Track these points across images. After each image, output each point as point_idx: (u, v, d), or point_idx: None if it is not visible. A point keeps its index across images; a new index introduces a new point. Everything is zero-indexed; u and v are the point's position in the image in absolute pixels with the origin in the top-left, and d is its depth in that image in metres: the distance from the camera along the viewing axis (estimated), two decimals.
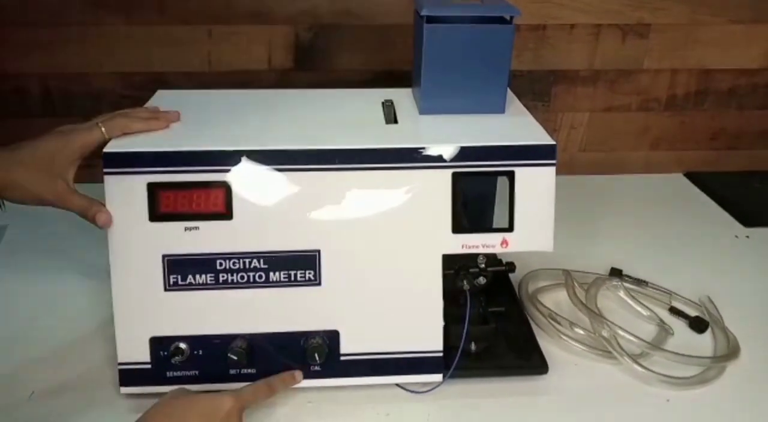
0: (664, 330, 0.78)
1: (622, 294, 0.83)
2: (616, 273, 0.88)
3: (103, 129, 0.66)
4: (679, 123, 1.21)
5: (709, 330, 0.80)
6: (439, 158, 0.66)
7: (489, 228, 0.67)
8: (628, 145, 1.22)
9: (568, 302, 0.83)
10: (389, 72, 1.11)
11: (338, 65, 1.10)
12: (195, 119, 0.73)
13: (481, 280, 0.72)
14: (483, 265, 0.71)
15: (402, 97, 0.80)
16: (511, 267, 0.73)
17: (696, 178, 1.21)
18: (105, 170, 0.64)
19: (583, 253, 0.93)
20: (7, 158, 0.64)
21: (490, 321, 0.72)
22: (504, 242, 0.67)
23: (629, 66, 1.15)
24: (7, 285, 0.86)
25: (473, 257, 0.72)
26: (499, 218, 0.67)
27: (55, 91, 1.09)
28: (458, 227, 0.67)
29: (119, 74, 1.08)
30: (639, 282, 0.87)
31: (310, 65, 1.10)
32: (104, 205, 0.65)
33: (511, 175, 0.66)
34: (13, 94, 1.10)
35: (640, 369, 0.71)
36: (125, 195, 0.64)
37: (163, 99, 0.78)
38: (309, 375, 0.68)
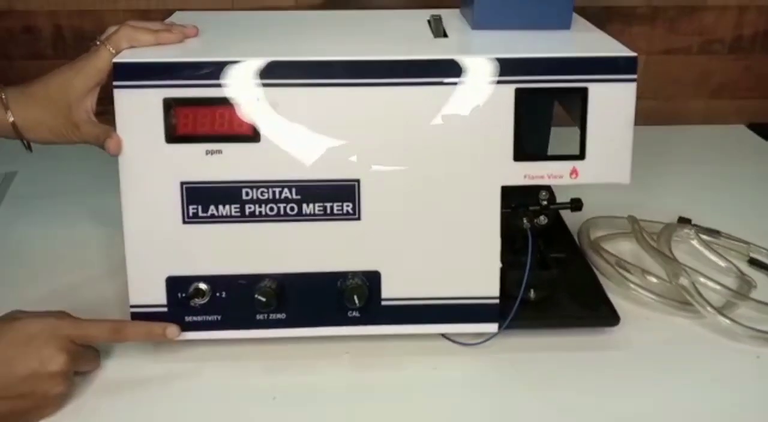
0: (746, 282, 0.69)
1: (695, 243, 0.74)
2: (684, 222, 0.79)
3: (109, 47, 0.59)
4: (744, 68, 1.10)
5: None
6: (500, 71, 0.56)
7: (556, 156, 0.58)
8: (686, 92, 1.11)
9: (632, 252, 0.74)
10: (431, 9, 1.01)
11: (372, 2, 1.01)
12: (217, 34, 0.64)
13: (542, 220, 0.63)
14: (545, 202, 0.62)
15: (450, 16, 0.71)
16: (577, 204, 0.64)
17: (761, 129, 1.10)
18: (115, 83, 0.56)
19: (643, 204, 0.83)
20: (20, 97, 0.60)
21: (551, 267, 0.64)
22: (573, 172, 0.58)
23: (691, 2, 1.04)
24: (16, 230, 0.79)
25: (533, 194, 0.63)
26: (569, 144, 0.58)
27: (67, 29, 1.02)
28: (521, 154, 0.57)
29: (134, 11, 1.00)
30: (711, 232, 0.77)
31: (341, 2, 1.01)
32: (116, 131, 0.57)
33: (583, 93, 0.57)
34: (23, 33, 1.02)
35: (725, 321, 0.62)
36: (138, 112, 0.56)
37: (181, 19, 0.70)
38: (346, 321, 0.59)
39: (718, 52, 1.08)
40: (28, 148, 0.62)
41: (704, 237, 0.75)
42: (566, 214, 0.80)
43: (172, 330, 0.58)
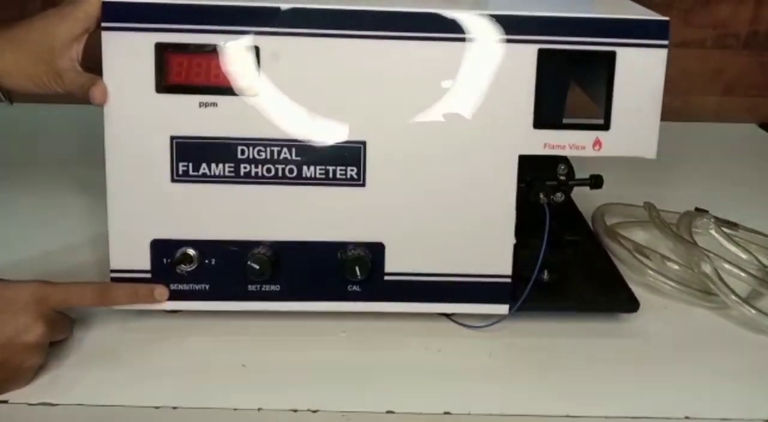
0: None
1: (714, 233, 0.70)
2: (701, 212, 0.75)
3: None
4: (758, 64, 1.07)
5: None
6: (522, 29, 0.52)
7: (579, 125, 0.54)
8: (698, 88, 1.08)
9: (649, 242, 0.69)
10: None
11: None
12: None
13: (559, 196, 0.58)
14: (563, 177, 0.58)
15: None
16: (597, 181, 0.60)
17: None
18: (103, 25, 0.52)
19: (652, 198, 0.80)
20: (0, 41, 0.54)
21: (566, 248, 0.59)
22: (597, 143, 0.54)
23: None
24: None
25: (549, 168, 0.59)
26: (593, 112, 0.54)
27: None
28: (541, 121, 0.53)
29: None
30: (730, 224, 0.73)
31: None
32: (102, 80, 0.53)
33: (610, 57, 0.53)
34: None
35: (750, 312, 0.57)
36: (127, 58, 0.52)
37: None
38: (345, 296, 0.55)
39: (732, 47, 1.05)
40: (9, 99, 0.58)
41: (723, 229, 0.71)
42: (578, 200, 0.76)
43: (160, 291, 0.54)
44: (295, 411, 0.48)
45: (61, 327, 0.52)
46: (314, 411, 0.48)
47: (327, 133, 0.53)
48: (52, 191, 0.76)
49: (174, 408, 0.48)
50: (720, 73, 1.07)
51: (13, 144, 0.87)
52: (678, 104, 1.09)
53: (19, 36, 0.54)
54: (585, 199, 0.77)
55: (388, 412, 0.49)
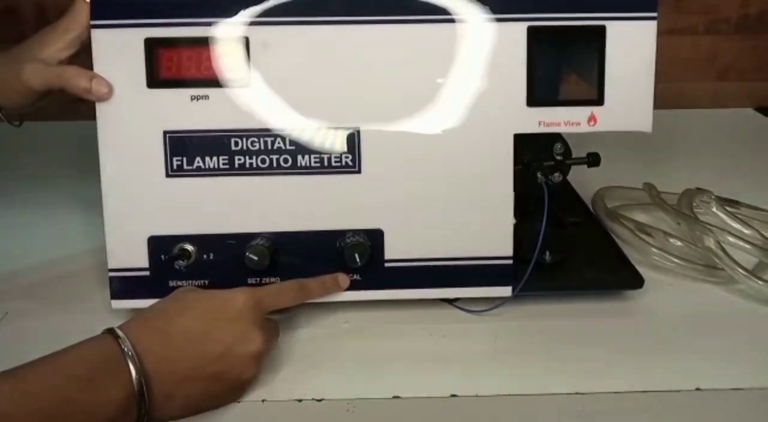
0: None
1: (715, 209, 0.69)
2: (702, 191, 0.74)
3: None
4: (751, 48, 1.07)
5: None
6: (511, 8, 0.52)
7: (573, 101, 0.54)
8: (692, 74, 1.08)
9: (650, 222, 0.69)
10: None
11: None
12: None
13: (557, 177, 0.58)
14: (560, 156, 0.58)
15: None
16: (595, 159, 0.60)
17: None
18: (92, 23, 0.52)
19: (653, 183, 0.79)
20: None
21: (567, 228, 0.59)
22: (592, 119, 0.54)
23: None
24: None
25: (546, 147, 0.58)
26: (586, 88, 0.54)
27: (51, 10, 0.98)
28: (534, 99, 0.53)
29: None
30: (731, 202, 0.73)
31: None
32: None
33: (600, 32, 0.53)
34: (5, 15, 0.98)
35: (757, 283, 0.56)
36: (117, 54, 0.52)
37: None
38: None
39: (724, 32, 1.05)
40: (18, 121, 0.57)
41: (725, 206, 0.71)
42: (576, 187, 0.76)
43: (342, 278, 0.54)
44: (300, 401, 0.48)
45: (273, 334, 0.50)
46: (319, 400, 0.48)
47: (320, 120, 0.53)
48: (53, 205, 0.76)
49: None
50: (713, 59, 1.07)
51: (13, 160, 0.87)
52: (673, 91, 1.09)
53: (14, 54, 0.55)
54: (583, 185, 0.77)
55: (395, 397, 0.48)
